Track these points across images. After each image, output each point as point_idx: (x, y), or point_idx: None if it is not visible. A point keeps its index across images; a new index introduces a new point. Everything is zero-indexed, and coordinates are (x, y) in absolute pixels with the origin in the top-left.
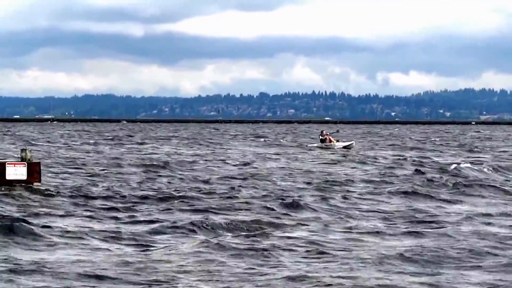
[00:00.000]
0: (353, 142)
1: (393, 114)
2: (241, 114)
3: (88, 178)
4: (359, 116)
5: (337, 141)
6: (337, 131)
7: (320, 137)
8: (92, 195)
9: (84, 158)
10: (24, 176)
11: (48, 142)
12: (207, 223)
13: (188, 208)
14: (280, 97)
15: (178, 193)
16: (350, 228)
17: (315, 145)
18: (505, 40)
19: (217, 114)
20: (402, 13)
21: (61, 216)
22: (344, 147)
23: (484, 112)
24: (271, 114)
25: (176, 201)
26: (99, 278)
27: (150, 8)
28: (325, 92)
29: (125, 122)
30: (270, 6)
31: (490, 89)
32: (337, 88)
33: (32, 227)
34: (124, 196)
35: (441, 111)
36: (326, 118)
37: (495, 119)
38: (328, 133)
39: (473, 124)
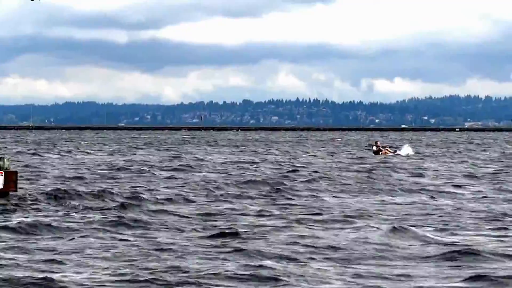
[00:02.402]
0: (410, 150)
1: (377, 121)
2: (224, 122)
3: None
4: (342, 123)
5: (394, 152)
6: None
7: (374, 148)
8: None
9: None
10: (0, 185)
11: None
12: None
13: None
14: (264, 104)
15: None
16: None
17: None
18: (490, 47)
19: (200, 121)
20: (387, 20)
21: None
22: (403, 156)
23: (469, 119)
24: (254, 121)
25: None
26: None
27: (134, 14)
28: (309, 99)
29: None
30: (256, 13)
31: (475, 95)
32: (320, 95)
33: None
34: None
35: (426, 118)
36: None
37: (480, 125)
38: (381, 144)
39: (457, 131)
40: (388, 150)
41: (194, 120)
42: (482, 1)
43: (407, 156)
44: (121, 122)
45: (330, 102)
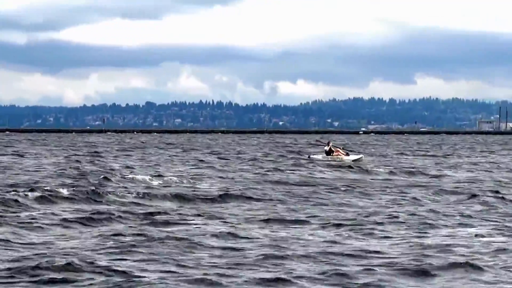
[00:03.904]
0: (362, 156)
1: (281, 123)
2: (126, 124)
3: None
4: (246, 126)
5: (347, 154)
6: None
7: (326, 148)
8: None
9: None
10: None
11: None
12: None
13: None
14: (167, 106)
15: None
16: None
17: (320, 157)
18: (391, 50)
19: (103, 123)
20: (290, 22)
21: None
22: (353, 161)
23: (373, 122)
24: (157, 123)
25: None
26: None
27: (33, 16)
28: (212, 101)
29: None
30: (156, 15)
31: (379, 98)
32: (224, 97)
33: None
34: None
35: (329, 120)
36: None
37: (384, 128)
38: (333, 144)
39: (361, 134)
40: (340, 152)
41: (97, 122)
42: (380, 4)
43: (359, 160)
44: (24, 124)
45: (233, 104)
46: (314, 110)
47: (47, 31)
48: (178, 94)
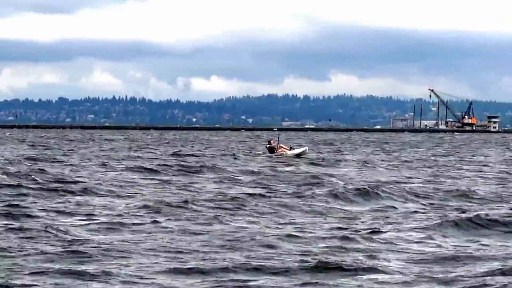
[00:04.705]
0: (306, 148)
1: (194, 120)
2: (39, 120)
3: None
4: (159, 122)
5: (290, 148)
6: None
7: (268, 146)
8: None
9: None
10: None
11: None
12: None
13: None
14: (80, 102)
15: None
16: None
17: (264, 156)
18: (305, 46)
19: (15, 119)
20: (204, 18)
21: None
22: (297, 155)
23: (287, 119)
24: (70, 119)
25: None
26: None
27: None
28: (126, 97)
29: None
30: (70, 9)
31: (293, 95)
32: (137, 93)
33: None
34: None
35: (243, 117)
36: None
37: (298, 125)
38: (276, 141)
39: (275, 131)
40: (284, 148)
41: (10, 118)
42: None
43: (303, 153)
44: None
45: (147, 100)
46: (228, 107)
47: None
48: (91, 90)
